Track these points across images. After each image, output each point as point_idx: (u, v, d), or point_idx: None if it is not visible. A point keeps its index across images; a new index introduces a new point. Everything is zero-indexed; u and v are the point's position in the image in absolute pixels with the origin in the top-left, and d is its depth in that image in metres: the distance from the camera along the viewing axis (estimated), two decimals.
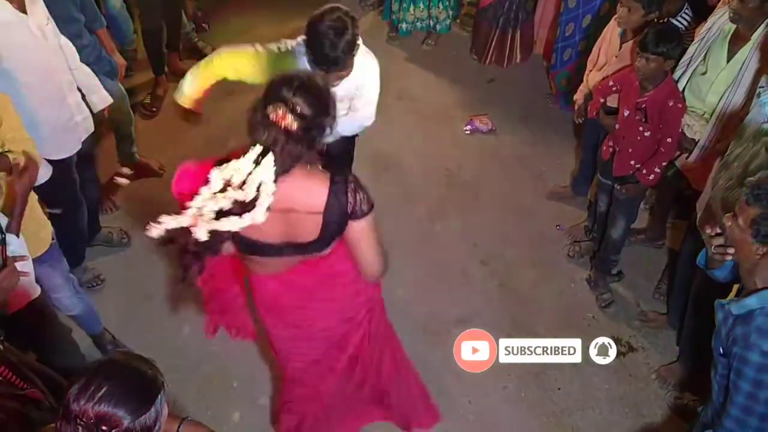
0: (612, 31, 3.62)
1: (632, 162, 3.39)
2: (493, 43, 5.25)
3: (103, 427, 1.47)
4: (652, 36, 3.10)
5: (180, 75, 4.83)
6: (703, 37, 3.31)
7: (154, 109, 4.70)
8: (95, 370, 1.51)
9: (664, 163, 3.33)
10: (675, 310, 3.47)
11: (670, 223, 4.06)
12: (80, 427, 1.47)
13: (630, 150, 3.38)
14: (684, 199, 3.72)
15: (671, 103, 3.22)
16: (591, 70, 3.81)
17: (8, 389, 1.91)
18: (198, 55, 5.12)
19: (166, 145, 4.48)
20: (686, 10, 3.58)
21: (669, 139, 3.27)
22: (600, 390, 3.38)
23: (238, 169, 1.95)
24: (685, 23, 3.54)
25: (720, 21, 3.25)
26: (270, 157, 1.96)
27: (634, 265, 3.91)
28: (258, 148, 1.96)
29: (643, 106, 3.25)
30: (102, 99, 3.45)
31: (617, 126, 3.40)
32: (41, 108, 3.02)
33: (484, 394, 3.34)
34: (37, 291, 2.69)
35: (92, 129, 3.42)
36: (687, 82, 3.37)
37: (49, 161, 2.98)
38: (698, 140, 3.34)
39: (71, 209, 3.29)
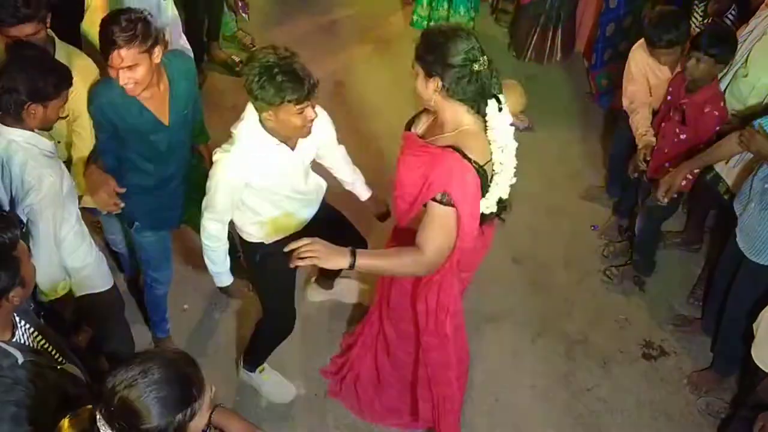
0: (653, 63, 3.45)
1: (667, 164, 3.33)
2: (534, 40, 5.17)
3: (140, 422, 1.47)
4: (708, 36, 3.02)
5: (219, 63, 4.93)
6: (745, 39, 3.25)
7: None
8: (140, 362, 1.50)
9: (697, 171, 3.22)
10: (711, 315, 3.42)
11: (708, 228, 4.00)
12: (116, 417, 1.48)
13: (666, 150, 3.34)
14: (724, 205, 3.65)
15: (707, 109, 3.14)
16: (627, 86, 3.61)
17: (47, 361, 1.93)
18: (237, 44, 5.16)
19: None
20: (732, 10, 3.51)
21: (702, 146, 3.17)
22: (629, 393, 3.34)
23: (496, 127, 2.30)
24: (728, 23, 3.48)
25: (762, 23, 3.19)
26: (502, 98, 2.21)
27: (669, 268, 3.86)
28: (493, 102, 2.22)
29: (683, 107, 3.19)
30: None
31: (663, 124, 3.34)
32: None
33: (511, 392, 3.32)
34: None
35: None
36: (728, 84, 3.31)
37: None
38: None
39: None
